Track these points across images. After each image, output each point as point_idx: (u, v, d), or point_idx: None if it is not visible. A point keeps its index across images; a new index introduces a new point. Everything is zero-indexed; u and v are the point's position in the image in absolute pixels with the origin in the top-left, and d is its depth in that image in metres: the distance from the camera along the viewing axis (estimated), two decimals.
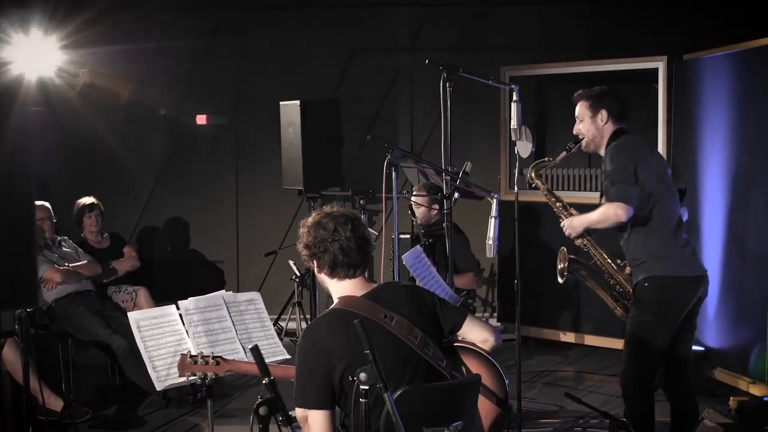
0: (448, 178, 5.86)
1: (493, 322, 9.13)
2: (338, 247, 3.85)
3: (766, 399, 6.10)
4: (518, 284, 6.13)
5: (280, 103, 8.54)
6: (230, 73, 9.70)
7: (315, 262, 3.94)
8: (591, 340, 8.32)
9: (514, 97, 6.05)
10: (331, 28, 9.59)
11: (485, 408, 4.03)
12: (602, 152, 5.41)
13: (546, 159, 5.88)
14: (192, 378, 4.45)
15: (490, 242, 5.55)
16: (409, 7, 9.53)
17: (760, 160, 6.62)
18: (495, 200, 5.59)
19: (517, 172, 6.50)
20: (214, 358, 4.45)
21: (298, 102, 8.34)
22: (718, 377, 7.11)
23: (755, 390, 6.64)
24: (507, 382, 4.20)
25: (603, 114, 5.38)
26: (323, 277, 3.98)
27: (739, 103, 6.91)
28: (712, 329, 7.25)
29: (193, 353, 4.55)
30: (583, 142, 5.49)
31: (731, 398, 6.08)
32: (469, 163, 5.96)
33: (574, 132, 5.52)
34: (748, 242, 6.82)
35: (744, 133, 6.86)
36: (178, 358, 4.56)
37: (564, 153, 5.62)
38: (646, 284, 5.24)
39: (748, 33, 6.93)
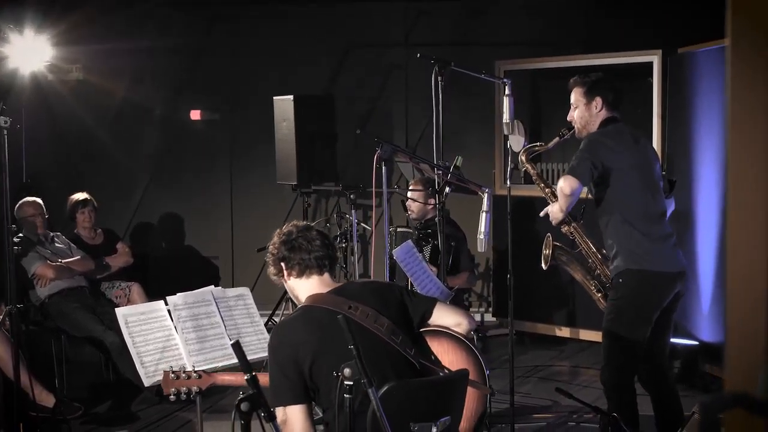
0: (440, 172, 5.85)
1: (488, 317, 9.13)
2: (304, 242, 4.01)
3: None
4: (511, 279, 6.11)
5: (274, 98, 8.52)
6: (224, 68, 9.69)
7: (283, 265, 4.06)
8: (586, 334, 8.30)
9: (506, 91, 6.02)
10: (326, 24, 9.58)
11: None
12: None
13: (538, 144, 5.83)
14: (176, 394, 4.43)
15: (481, 237, 5.53)
16: (404, 1, 9.51)
17: None
18: (486, 195, 5.57)
19: (510, 166, 6.49)
20: (196, 371, 4.44)
21: (291, 97, 8.32)
22: (713, 372, 7.10)
23: None
24: (488, 372, 4.19)
25: (597, 101, 5.34)
26: (292, 283, 4.09)
27: None
28: (706, 324, 7.24)
29: (181, 351, 4.53)
30: (576, 129, 5.46)
31: None
32: (459, 157, 5.95)
33: (568, 119, 5.49)
34: None
35: None
36: (166, 354, 4.56)
37: (557, 139, 5.60)
38: (621, 280, 5.22)
39: None
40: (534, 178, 5.70)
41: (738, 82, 1.91)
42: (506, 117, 6.02)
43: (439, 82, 5.81)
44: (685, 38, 7.71)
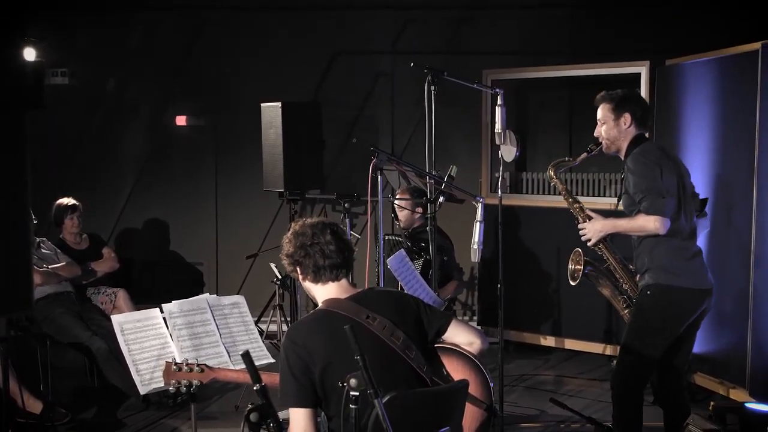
0: (432, 181, 5.85)
1: (474, 325, 9.12)
2: (318, 250, 3.94)
3: (746, 405, 6.11)
4: (501, 288, 6.12)
5: (261, 104, 8.50)
6: (211, 74, 9.67)
7: (298, 269, 4.02)
8: (571, 344, 8.32)
9: (499, 101, 6.04)
10: (313, 30, 9.58)
11: (469, 411, 4.03)
12: (622, 156, 5.38)
13: (566, 158, 5.80)
14: (176, 386, 4.41)
15: (475, 246, 5.54)
16: (391, 9, 9.52)
17: (742, 166, 6.65)
18: (480, 204, 5.58)
19: (500, 176, 6.50)
20: (198, 365, 4.42)
21: (279, 103, 8.31)
22: (698, 382, 7.13)
23: (735, 395, 6.67)
24: (492, 385, 4.21)
25: (626, 117, 5.31)
26: (308, 285, 4.05)
27: (720, 109, 6.93)
28: None
29: (177, 358, 4.52)
30: (604, 145, 5.43)
31: (711, 403, 6.11)
32: (454, 166, 5.95)
33: (595, 134, 5.44)
34: (728, 247, 6.84)
35: (726, 139, 6.88)
36: (161, 362, 4.54)
37: (584, 154, 5.55)
38: (649, 292, 5.23)
39: (730, 39, 6.97)
40: (562, 193, 5.67)
41: None
42: (498, 127, 6.05)
43: (432, 91, 5.82)
44: (673, 50, 7.76)
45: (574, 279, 5.61)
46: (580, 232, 5.50)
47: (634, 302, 5.39)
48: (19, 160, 2.80)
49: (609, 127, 5.36)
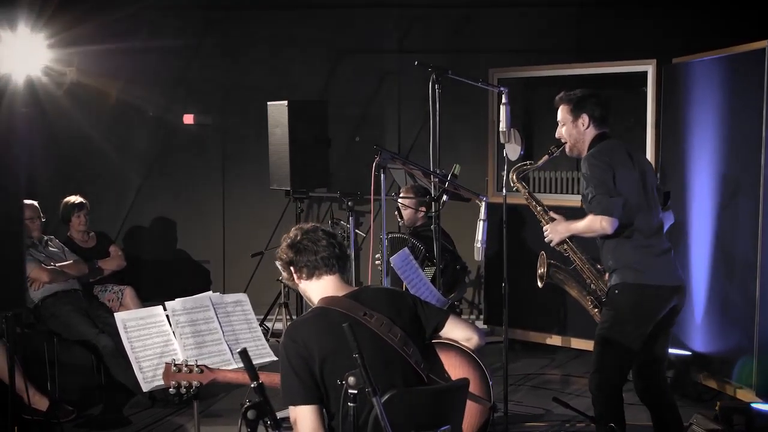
0: (437, 180, 5.84)
1: (480, 324, 9.12)
2: (310, 243, 4.00)
3: (752, 405, 6.10)
4: (506, 287, 6.11)
5: (268, 103, 8.52)
6: (218, 72, 9.68)
7: (293, 269, 4.06)
8: (577, 343, 8.31)
9: (504, 100, 6.03)
10: (319, 29, 9.59)
11: (468, 407, 4.03)
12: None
13: (527, 163, 5.80)
14: (176, 387, 4.42)
15: (479, 245, 5.54)
16: (397, 8, 9.51)
17: (749, 165, 6.63)
18: (484, 203, 5.58)
19: (505, 174, 6.49)
20: (198, 366, 4.43)
21: (285, 102, 8.33)
22: (705, 382, 7.12)
23: (742, 395, 6.65)
24: (491, 382, 4.21)
25: (584, 118, 5.31)
26: (304, 285, 4.07)
27: (727, 108, 6.91)
28: (698, 334, 7.26)
29: (178, 358, 4.53)
30: (566, 147, 5.44)
31: (717, 403, 6.10)
32: (458, 165, 5.95)
33: (557, 136, 5.46)
34: (735, 247, 6.82)
35: (732, 137, 6.86)
36: (164, 359, 4.54)
37: (546, 157, 5.54)
38: (617, 291, 5.21)
39: (737, 37, 6.95)
40: (525, 196, 5.67)
41: None
42: (503, 126, 6.04)
43: (437, 90, 5.81)
44: (681, 48, 7.74)
45: (541, 281, 5.62)
46: (544, 233, 5.51)
47: (603, 302, 5.37)
48: (12, 160, 2.80)
49: (568, 128, 5.38)
